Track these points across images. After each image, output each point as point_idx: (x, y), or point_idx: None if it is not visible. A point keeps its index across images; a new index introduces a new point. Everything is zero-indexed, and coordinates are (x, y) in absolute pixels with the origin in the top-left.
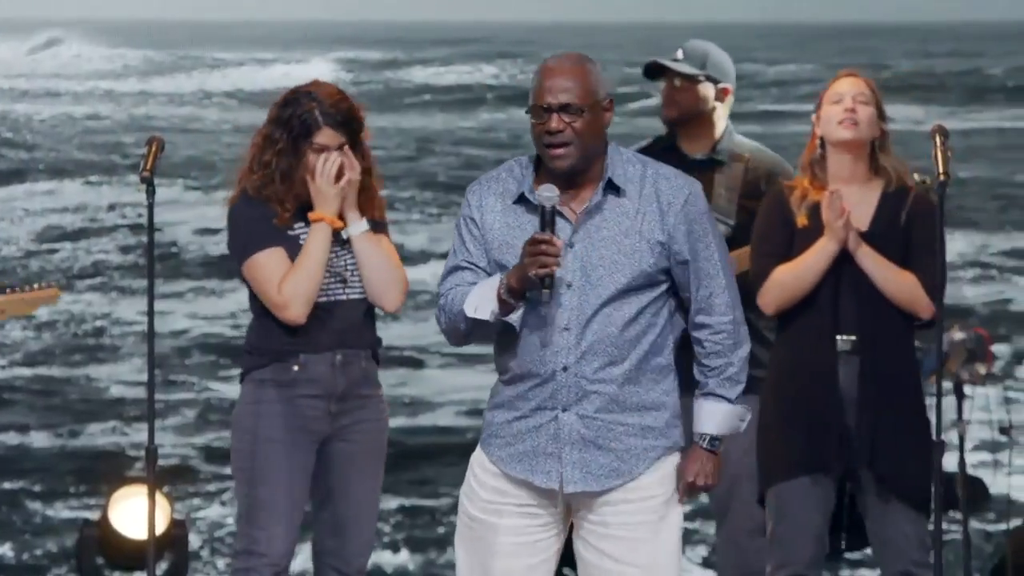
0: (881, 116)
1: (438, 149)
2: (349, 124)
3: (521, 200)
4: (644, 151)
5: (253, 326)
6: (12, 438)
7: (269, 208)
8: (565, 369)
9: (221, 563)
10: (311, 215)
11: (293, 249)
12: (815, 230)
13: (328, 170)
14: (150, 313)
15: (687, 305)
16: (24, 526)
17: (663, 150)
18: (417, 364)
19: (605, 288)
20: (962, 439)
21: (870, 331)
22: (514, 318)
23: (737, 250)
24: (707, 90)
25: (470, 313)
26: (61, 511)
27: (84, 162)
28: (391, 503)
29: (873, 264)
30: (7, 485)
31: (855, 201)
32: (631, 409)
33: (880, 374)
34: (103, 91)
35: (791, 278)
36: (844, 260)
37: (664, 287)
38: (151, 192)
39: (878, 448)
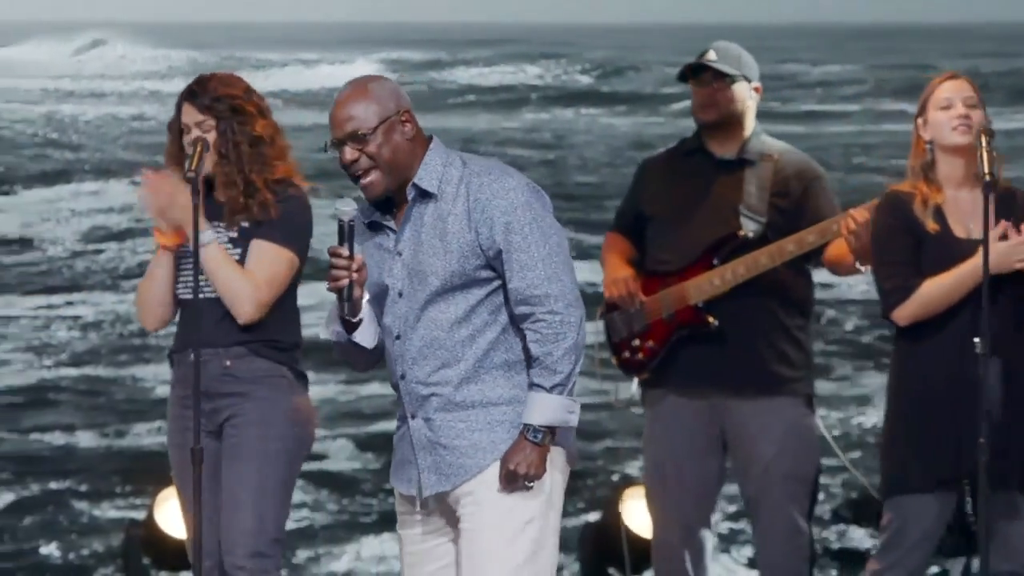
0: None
1: (482, 150)
2: (204, 104)
3: (373, 225)
4: (671, 154)
5: None
6: (58, 438)
7: None
8: (403, 377)
9: None
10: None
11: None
12: (944, 235)
13: (151, 200)
14: (196, 313)
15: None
16: (70, 526)
17: (690, 152)
18: None
19: (425, 292)
20: None
21: (1008, 332)
22: (357, 336)
23: (768, 247)
24: (743, 90)
25: (321, 334)
26: (107, 511)
27: (130, 162)
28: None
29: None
30: (53, 485)
31: (969, 207)
32: (474, 406)
33: (1015, 379)
34: (148, 92)
35: (939, 294)
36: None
37: (497, 283)
38: (196, 192)
39: (1004, 460)
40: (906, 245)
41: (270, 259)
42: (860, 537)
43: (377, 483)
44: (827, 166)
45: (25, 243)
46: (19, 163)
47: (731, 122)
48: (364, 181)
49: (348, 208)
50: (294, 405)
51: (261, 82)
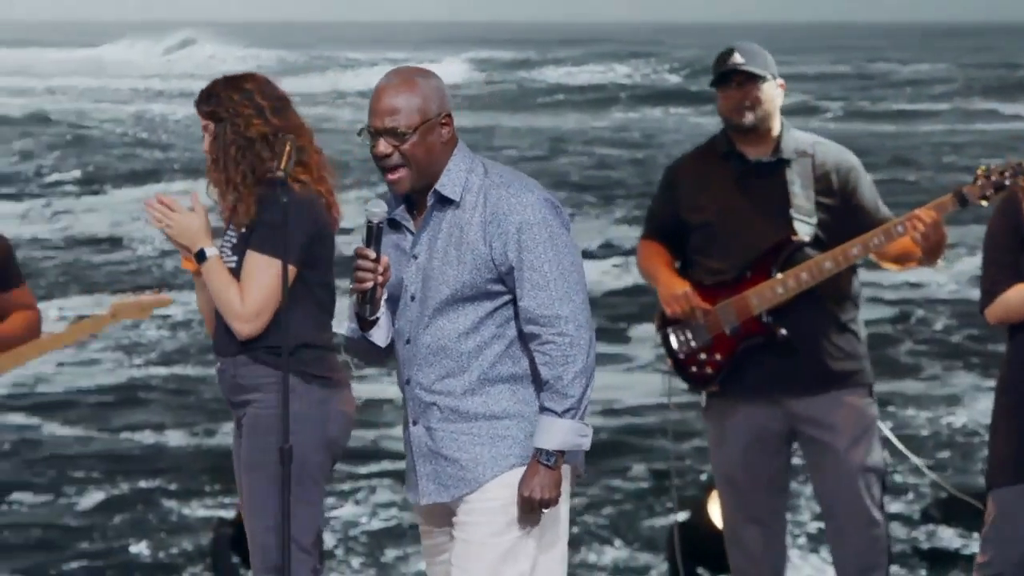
0: None
1: (571, 149)
2: (199, 106)
3: (393, 223)
4: (702, 159)
5: None
6: (148, 437)
7: None
8: (408, 382)
9: (356, 562)
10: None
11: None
12: None
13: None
14: (283, 312)
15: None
16: (160, 525)
17: (724, 156)
18: None
19: (436, 299)
20: None
21: None
22: (374, 334)
23: (831, 251)
24: (772, 88)
25: (334, 327)
26: (196, 510)
27: None
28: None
29: None
30: (143, 484)
31: None
32: (477, 419)
33: None
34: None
35: (1017, 303)
36: None
37: (508, 297)
38: (285, 191)
39: None
40: (1007, 246)
41: (257, 269)
42: (949, 537)
43: None
44: (917, 165)
45: (115, 242)
46: (109, 163)
47: (765, 123)
48: (393, 176)
49: (378, 210)
50: (295, 409)
51: (350, 81)
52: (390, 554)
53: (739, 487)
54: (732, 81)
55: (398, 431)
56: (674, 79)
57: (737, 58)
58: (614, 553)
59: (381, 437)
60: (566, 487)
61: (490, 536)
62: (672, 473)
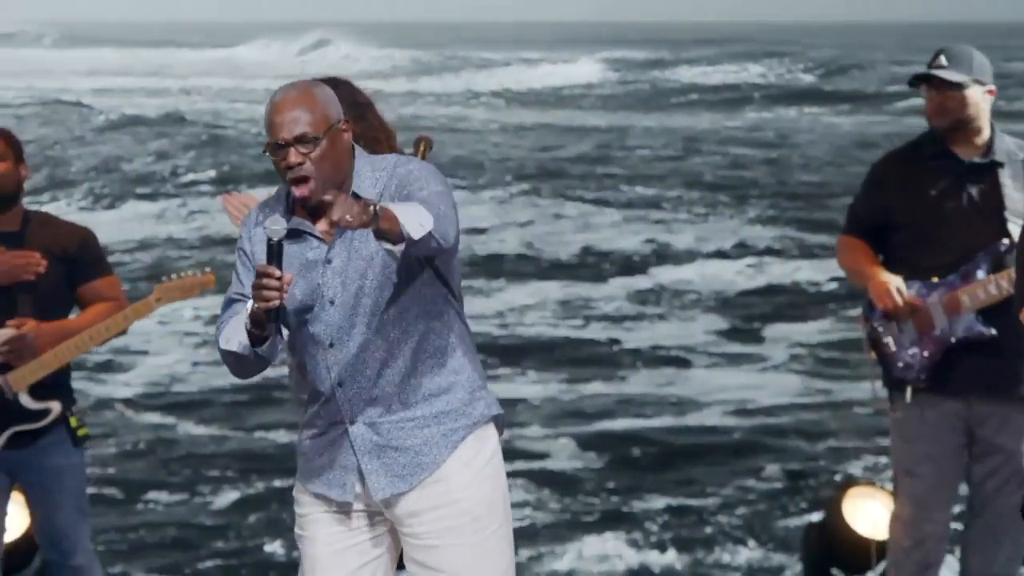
0: None
1: (704, 148)
2: None
3: (294, 233)
4: (910, 158)
5: None
6: (282, 436)
7: None
8: (340, 385)
9: None
10: None
11: None
12: None
13: None
14: None
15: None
16: (294, 524)
17: (936, 155)
18: (684, 363)
19: (361, 298)
20: None
21: None
22: (266, 348)
23: None
24: (976, 95)
25: (223, 345)
26: None
27: None
28: (657, 503)
29: None
30: (277, 483)
31: None
32: (418, 403)
33: None
34: (372, 91)
35: None
36: None
37: (424, 275)
38: None
39: None
40: None
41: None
42: None
43: (599, 482)
44: None
45: None
46: (243, 163)
47: (965, 126)
48: (302, 189)
49: (278, 227)
50: None
51: (485, 81)
52: (523, 554)
53: (920, 482)
54: (932, 84)
55: (531, 431)
56: (808, 79)
57: (941, 60)
58: (748, 553)
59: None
60: (497, 450)
61: (461, 532)
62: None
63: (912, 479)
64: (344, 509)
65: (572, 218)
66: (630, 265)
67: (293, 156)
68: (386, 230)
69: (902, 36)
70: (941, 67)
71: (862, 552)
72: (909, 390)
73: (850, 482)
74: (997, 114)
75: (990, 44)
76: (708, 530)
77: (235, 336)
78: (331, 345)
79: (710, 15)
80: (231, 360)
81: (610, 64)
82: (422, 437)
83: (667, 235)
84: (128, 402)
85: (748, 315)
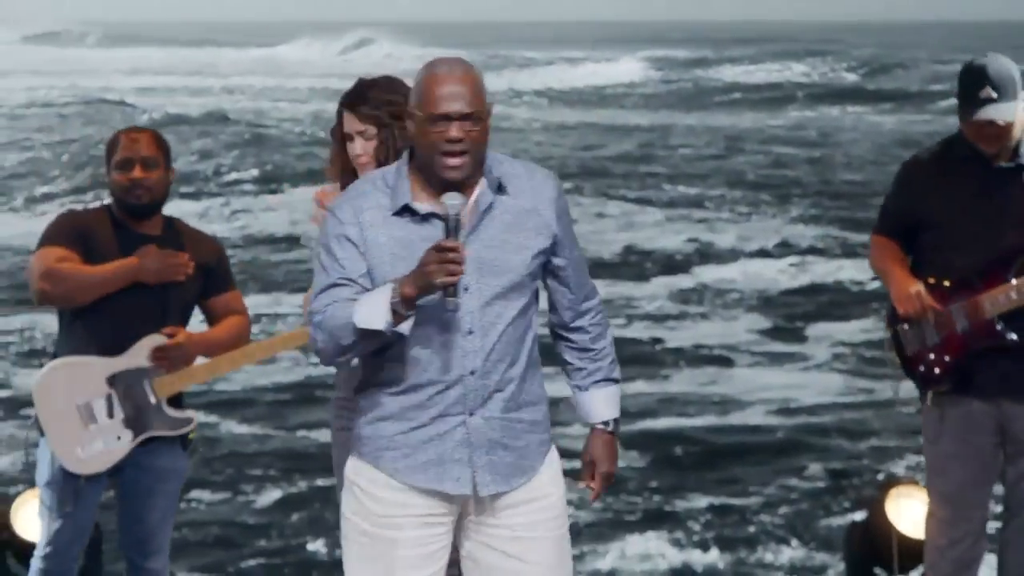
0: None
1: (747, 147)
2: (367, 107)
3: (403, 211)
4: (940, 158)
5: None
6: (325, 435)
7: None
8: (472, 373)
9: None
10: None
11: None
12: None
13: None
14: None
15: (560, 298)
16: (336, 523)
17: (965, 159)
18: (726, 362)
19: (494, 288)
20: None
21: None
22: (404, 327)
23: None
24: (1021, 112)
25: (362, 324)
26: None
27: None
28: (700, 502)
29: None
30: (320, 482)
31: None
32: (524, 406)
33: None
34: None
35: None
36: None
37: (535, 283)
38: None
39: None
40: None
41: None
42: None
43: (642, 482)
44: None
45: (293, 241)
46: (287, 162)
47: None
48: (456, 161)
49: (456, 202)
50: None
51: (527, 80)
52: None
53: (951, 484)
54: (986, 115)
55: (572, 430)
56: (851, 77)
57: (991, 94)
58: (791, 553)
59: None
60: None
61: (551, 526)
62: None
63: (941, 478)
64: (432, 509)
65: (614, 217)
66: (672, 264)
67: (456, 130)
68: None
69: (945, 35)
70: (991, 100)
71: (905, 551)
72: (930, 394)
73: (892, 481)
74: None
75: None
76: (751, 529)
77: (377, 315)
78: (470, 332)
79: (753, 14)
80: (352, 341)
81: (652, 63)
82: (525, 441)
83: (709, 234)
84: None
85: (791, 314)
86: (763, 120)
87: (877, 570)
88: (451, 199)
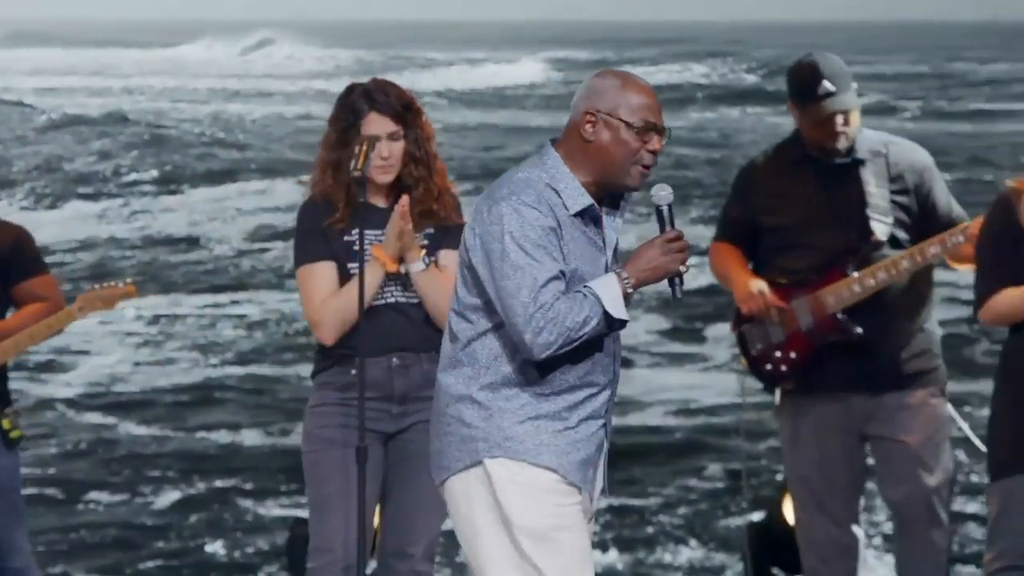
0: None
1: None
2: (396, 108)
3: (582, 212)
4: (776, 161)
5: None
6: (224, 436)
7: (331, 209)
8: (615, 377)
9: None
10: (373, 248)
11: (346, 257)
12: None
13: (400, 223)
14: (360, 312)
15: None
16: (235, 524)
17: (800, 161)
18: (626, 363)
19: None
20: None
21: None
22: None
23: (909, 250)
24: (857, 104)
25: (620, 315)
26: (272, 509)
27: (296, 162)
28: (600, 502)
29: None
30: (218, 483)
31: None
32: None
33: None
34: (315, 91)
35: (1007, 310)
36: None
37: None
38: (363, 191)
39: None
40: (999, 248)
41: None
42: None
43: None
44: (994, 165)
45: (191, 242)
46: (186, 162)
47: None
48: (647, 172)
49: (665, 192)
50: None
51: (428, 81)
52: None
53: (813, 487)
54: (823, 105)
55: None
56: (751, 79)
57: (828, 86)
58: (689, 553)
59: None
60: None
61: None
62: (745, 473)
63: (798, 484)
64: (584, 505)
65: None
66: None
67: (658, 143)
68: None
69: (845, 36)
70: (832, 94)
71: None
72: (778, 392)
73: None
74: (940, 114)
75: (933, 44)
76: (650, 530)
77: (621, 307)
78: (615, 339)
79: (655, 15)
80: (590, 334)
81: (553, 64)
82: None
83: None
84: (69, 402)
85: (690, 315)
86: (664, 121)
87: (775, 570)
88: (661, 190)
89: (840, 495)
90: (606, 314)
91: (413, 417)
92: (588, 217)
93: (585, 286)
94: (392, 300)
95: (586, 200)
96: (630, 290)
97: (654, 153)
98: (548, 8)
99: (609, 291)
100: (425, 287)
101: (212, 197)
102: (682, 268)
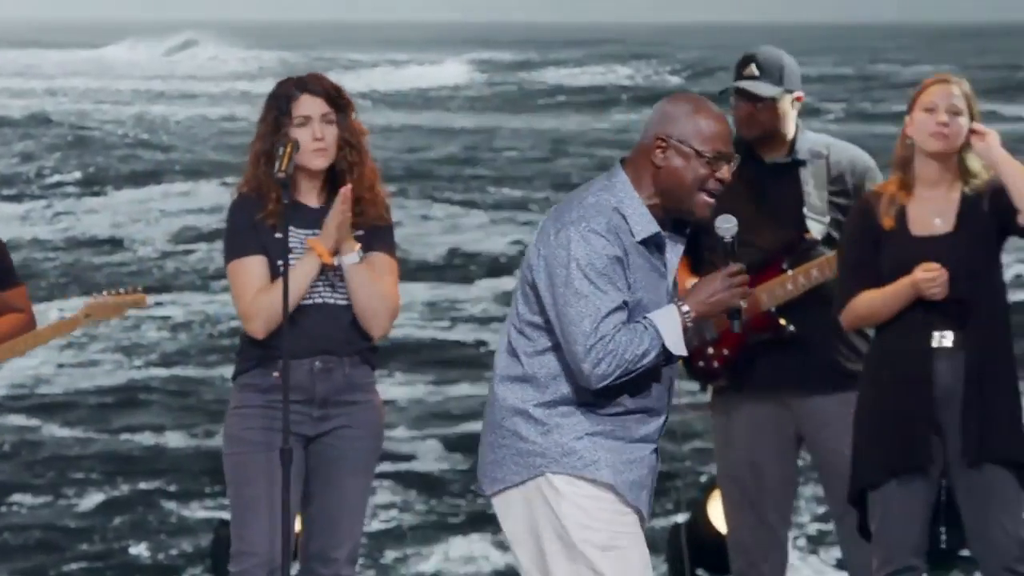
0: (973, 120)
1: (572, 150)
2: (328, 91)
3: (648, 240)
4: None
5: (242, 330)
6: (148, 438)
7: (263, 203)
8: (669, 404)
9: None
10: (309, 241)
11: (277, 253)
12: (900, 233)
13: (341, 210)
14: (285, 313)
15: None
16: (159, 526)
17: (741, 162)
18: None
19: None
20: None
21: (971, 327)
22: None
23: (823, 257)
24: (786, 105)
25: (677, 351)
26: (196, 511)
27: (220, 163)
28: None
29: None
30: (143, 485)
31: (940, 205)
32: None
33: (981, 371)
34: (239, 92)
35: (866, 312)
36: (940, 256)
37: None
38: (287, 194)
39: (977, 445)
40: (860, 250)
41: (392, 271)
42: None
43: (465, 484)
44: None
45: (115, 243)
46: (109, 164)
47: (773, 136)
48: (713, 201)
49: (729, 225)
50: (383, 412)
51: (352, 82)
52: (389, 555)
53: (744, 487)
54: (742, 95)
55: (397, 432)
56: (676, 80)
57: (752, 71)
58: None
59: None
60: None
61: None
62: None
63: (729, 484)
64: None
65: (439, 220)
66: (497, 267)
67: (727, 172)
68: None
69: (769, 37)
70: (753, 78)
71: (727, 553)
72: (711, 389)
73: (715, 483)
74: (863, 116)
75: (855, 46)
76: None
77: (680, 342)
78: (674, 365)
79: (579, 16)
80: (648, 366)
81: (477, 65)
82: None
83: (534, 237)
84: None
85: None
86: (588, 123)
87: (700, 571)
88: (726, 222)
89: (771, 496)
90: (664, 347)
91: (334, 421)
92: (652, 244)
93: (645, 317)
94: (320, 300)
95: (653, 227)
96: (689, 323)
97: (721, 182)
98: (472, 9)
99: (669, 324)
100: (357, 281)
101: (136, 199)
102: (742, 303)
